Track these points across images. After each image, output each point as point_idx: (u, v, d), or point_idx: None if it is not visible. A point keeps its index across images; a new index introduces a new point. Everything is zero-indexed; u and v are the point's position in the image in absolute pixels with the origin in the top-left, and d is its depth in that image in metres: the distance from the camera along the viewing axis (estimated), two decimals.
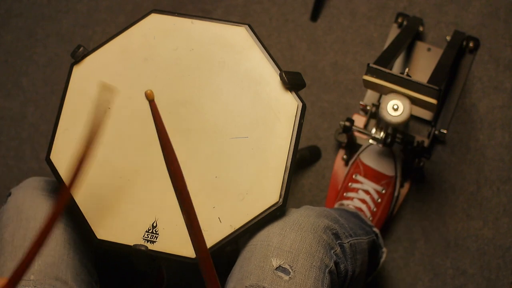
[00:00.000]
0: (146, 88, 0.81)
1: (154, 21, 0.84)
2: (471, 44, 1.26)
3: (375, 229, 1.06)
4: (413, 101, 0.96)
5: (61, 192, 0.66)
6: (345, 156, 1.25)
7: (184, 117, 0.79)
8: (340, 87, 1.30)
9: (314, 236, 0.74)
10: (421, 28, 1.27)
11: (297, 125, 0.77)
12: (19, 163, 1.37)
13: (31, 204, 0.80)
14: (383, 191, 1.16)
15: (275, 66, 0.79)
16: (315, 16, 1.33)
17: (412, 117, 1.25)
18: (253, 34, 0.81)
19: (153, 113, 0.61)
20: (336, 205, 1.17)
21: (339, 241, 0.79)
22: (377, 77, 0.96)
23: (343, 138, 1.24)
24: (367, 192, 1.15)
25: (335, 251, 0.77)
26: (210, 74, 0.80)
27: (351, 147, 1.25)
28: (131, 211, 0.77)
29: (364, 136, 1.22)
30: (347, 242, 0.82)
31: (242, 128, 0.78)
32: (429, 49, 1.27)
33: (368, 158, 1.18)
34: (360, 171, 1.17)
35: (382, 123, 1.17)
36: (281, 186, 0.75)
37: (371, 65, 0.96)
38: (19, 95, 1.40)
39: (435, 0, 1.30)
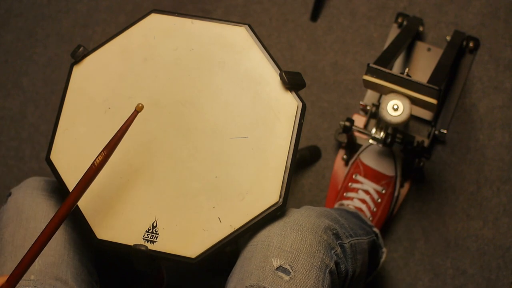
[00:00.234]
0: (146, 88, 0.81)
1: (154, 21, 0.84)
2: (471, 44, 1.26)
3: (375, 229, 1.06)
4: (413, 101, 0.96)
5: (66, 200, 0.67)
6: (345, 156, 1.25)
7: (184, 117, 0.79)
8: (340, 87, 1.30)
9: (314, 236, 0.74)
10: (421, 28, 1.27)
11: (297, 125, 0.77)
12: (19, 163, 1.37)
13: (31, 204, 0.80)
14: (383, 191, 1.16)
15: (275, 66, 0.79)
16: (315, 16, 1.33)
17: (412, 117, 1.25)
18: (253, 34, 0.81)
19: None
20: (336, 205, 1.17)
21: (340, 241, 0.79)
22: (377, 77, 0.96)
23: (343, 138, 1.24)
24: (367, 192, 1.15)
25: (336, 251, 0.77)
26: (210, 74, 0.80)
27: (351, 147, 1.25)
28: (131, 211, 0.77)
29: (364, 136, 1.22)
30: (348, 242, 0.82)
31: (242, 128, 0.78)
32: (429, 49, 1.27)
33: (368, 158, 1.18)
34: (360, 171, 1.17)
35: (382, 123, 1.17)
36: (281, 186, 0.75)
37: (371, 65, 0.96)
38: (19, 95, 1.40)
39: (435, 0, 1.30)
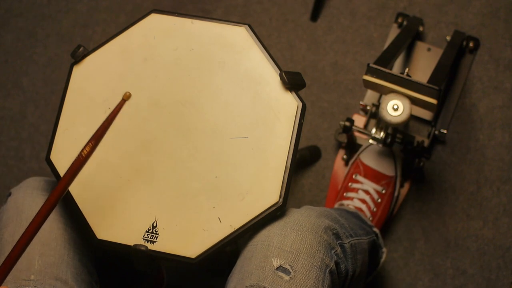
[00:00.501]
0: (146, 88, 0.81)
1: (154, 21, 0.84)
2: (471, 44, 1.26)
3: (375, 229, 1.06)
4: (413, 101, 0.96)
5: (56, 188, 0.67)
6: (345, 156, 1.25)
7: (184, 117, 0.79)
8: (340, 87, 1.30)
9: (314, 236, 0.74)
10: (421, 28, 1.27)
11: (297, 125, 0.77)
12: (19, 163, 1.37)
13: (31, 204, 0.80)
14: (383, 191, 1.16)
15: (275, 66, 0.79)
16: (315, 16, 1.33)
17: (412, 117, 1.25)
18: (253, 34, 0.81)
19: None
20: (336, 205, 1.17)
21: (340, 241, 0.79)
22: (377, 77, 0.96)
23: (343, 138, 1.24)
24: (367, 192, 1.15)
25: (336, 251, 0.77)
26: (210, 74, 0.80)
27: (351, 147, 1.25)
28: (131, 211, 0.77)
29: (364, 136, 1.22)
30: (348, 242, 0.82)
31: (242, 128, 0.78)
32: (429, 49, 1.27)
33: (368, 158, 1.18)
34: (360, 171, 1.17)
35: (382, 123, 1.17)
36: (281, 186, 0.75)
37: (371, 65, 0.96)
38: (19, 95, 1.40)
39: (435, 0, 1.30)
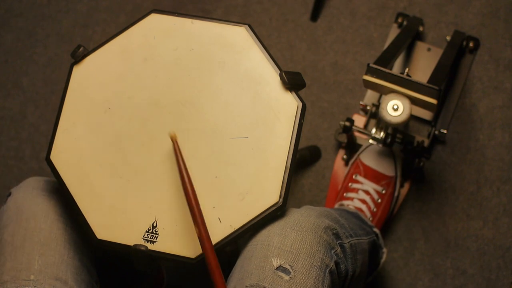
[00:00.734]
0: (146, 88, 0.81)
1: (154, 21, 0.84)
2: (471, 44, 1.26)
3: (376, 230, 1.06)
4: (413, 101, 0.96)
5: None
6: (345, 156, 1.25)
7: (184, 117, 0.79)
8: (340, 87, 1.30)
9: (314, 236, 0.74)
10: (421, 28, 1.27)
11: (297, 125, 0.77)
12: (19, 163, 1.37)
13: (31, 204, 0.80)
14: (383, 191, 1.16)
15: (275, 66, 0.79)
16: (315, 16, 1.33)
17: (412, 117, 1.25)
18: (253, 34, 0.81)
19: (177, 154, 0.74)
20: (336, 206, 1.17)
21: (340, 241, 0.79)
22: (377, 77, 0.96)
23: (343, 138, 1.24)
24: (367, 192, 1.15)
25: (336, 251, 0.77)
26: (210, 74, 0.80)
27: (351, 147, 1.25)
28: (131, 211, 0.77)
29: (364, 136, 1.22)
30: (348, 242, 0.82)
31: (242, 128, 0.78)
32: (429, 49, 1.27)
33: (368, 158, 1.18)
34: (360, 171, 1.17)
35: (382, 123, 1.17)
36: (281, 186, 0.75)
37: (371, 65, 0.96)
38: (19, 95, 1.40)
39: (435, 0, 1.30)
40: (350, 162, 1.20)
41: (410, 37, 1.17)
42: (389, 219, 1.21)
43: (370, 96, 1.27)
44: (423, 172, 1.23)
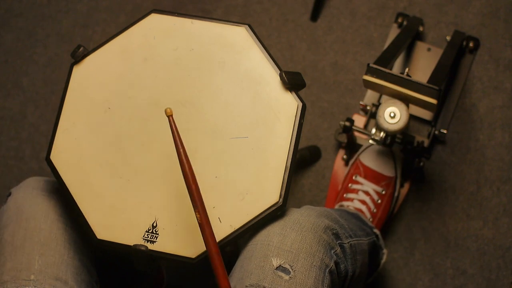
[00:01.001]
0: (146, 88, 0.81)
1: (154, 21, 0.84)
2: (471, 44, 1.26)
3: (376, 230, 1.06)
4: (413, 101, 0.96)
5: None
6: (345, 156, 1.25)
7: (184, 117, 0.79)
8: (340, 87, 1.30)
9: (314, 236, 0.74)
10: (421, 28, 1.27)
11: (297, 125, 0.77)
12: (19, 163, 1.37)
13: (31, 204, 0.80)
14: (383, 192, 1.16)
15: (275, 66, 0.79)
16: (315, 16, 1.33)
17: (412, 117, 1.25)
18: (253, 34, 0.81)
19: (173, 129, 0.71)
20: (336, 206, 1.17)
21: (339, 241, 0.79)
22: (377, 77, 0.96)
23: (343, 138, 1.24)
24: (367, 193, 1.15)
25: (335, 251, 0.77)
26: (210, 74, 0.80)
27: (351, 147, 1.25)
28: (131, 211, 0.77)
29: (364, 136, 1.22)
30: (347, 243, 0.82)
31: (242, 128, 0.78)
32: (429, 49, 1.27)
33: (368, 159, 1.18)
34: (360, 172, 1.17)
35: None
36: (281, 186, 0.75)
37: (371, 65, 0.96)
38: (19, 95, 1.40)
39: (435, 0, 1.30)
40: (350, 163, 1.20)
41: (410, 37, 1.17)
42: (389, 219, 1.21)
43: (370, 96, 1.27)
44: (423, 172, 1.23)
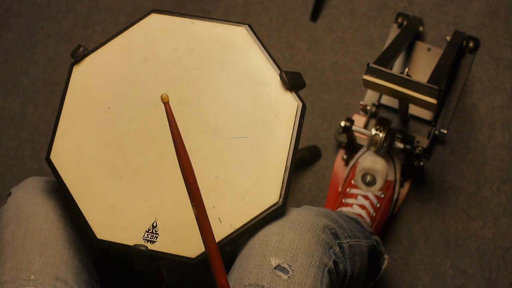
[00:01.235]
0: (146, 88, 0.81)
1: (154, 21, 0.84)
2: (471, 44, 1.26)
3: (375, 237, 1.06)
4: (413, 101, 0.96)
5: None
6: (345, 156, 1.25)
7: (184, 117, 0.79)
8: (340, 87, 1.30)
9: (313, 235, 0.74)
10: (421, 28, 1.27)
11: (297, 125, 0.77)
12: (19, 163, 1.37)
13: (31, 204, 0.80)
14: (382, 196, 1.15)
15: (275, 66, 0.79)
16: (315, 16, 1.33)
17: (412, 117, 1.25)
18: (253, 34, 0.81)
19: (168, 115, 0.67)
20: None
21: (338, 241, 0.79)
22: (377, 77, 0.96)
23: (343, 138, 1.24)
24: (366, 197, 1.15)
25: (334, 250, 0.77)
26: (210, 74, 0.80)
27: (351, 147, 1.25)
28: (131, 211, 0.77)
29: (364, 136, 1.22)
30: (346, 243, 0.82)
31: (242, 128, 0.78)
32: (429, 49, 1.27)
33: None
34: None
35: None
36: (281, 186, 0.75)
37: (371, 65, 0.96)
38: (19, 95, 1.40)
39: (435, 0, 1.30)
40: (349, 167, 1.20)
41: (410, 37, 1.17)
42: (389, 219, 1.21)
43: (370, 96, 1.27)
44: (423, 172, 1.23)
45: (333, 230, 0.78)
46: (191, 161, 0.77)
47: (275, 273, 0.71)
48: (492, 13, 1.28)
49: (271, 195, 0.75)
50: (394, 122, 1.24)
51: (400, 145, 1.17)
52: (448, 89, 1.25)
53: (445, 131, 1.20)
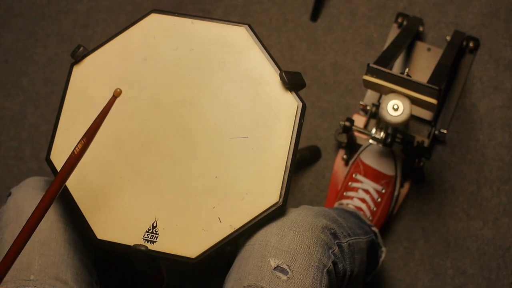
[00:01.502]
0: (146, 88, 0.81)
1: (154, 21, 0.84)
2: (471, 44, 1.26)
3: (374, 229, 1.06)
4: (413, 101, 0.96)
5: (51, 186, 0.67)
6: (345, 156, 1.25)
7: (184, 117, 0.79)
8: (340, 87, 1.30)
9: (312, 236, 0.74)
10: (421, 28, 1.27)
11: (297, 125, 0.77)
12: (19, 163, 1.37)
13: (31, 204, 0.80)
14: (383, 191, 1.16)
15: (275, 66, 0.79)
16: (315, 16, 1.33)
17: (412, 117, 1.25)
18: (253, 34, 0.81)
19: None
20: (336, 205, 1.17)
21: (337, 241, 0.79)
22: (377, 77, 0.96)
23: (343, 138, 1.24)
24: (367, 191, 1.15)
25: (333, 250, 0.77)
26: (210, 74, 0.80)
27: (351, 147, 1.25)
28: (131, 211, 0.77)
29: (364, 136, 1.22)
30: (346, 242, 0.82)
31: (242, 128, 0.78)
32: (429, 49, 1.27)
33: (368, 157, 1.18)
34: (360, 171, 1.17)
35: (382, 123, 1.17)
36: (281, 186, 0.75)
37: (371, 65, 0.96)
38: (19, 95, 1.40)
39: (435, 0, 1.30)
40: (351, 162, 1.20)
41: (410, 37, 1.17)
42: (389, 219, 1.21)
43: (370, 96, 1.27)
44: (423, 172, 1.23)
45: (332, 230, 0.78)
46: (191, 161, 0.78)
47: (274, 274, 0.71)
48: (492, 13, 1.28)
49: (271, 195, 0.75)
50: None
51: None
52: (448, 89, 1.25)
53: (445, 131, 1.20)
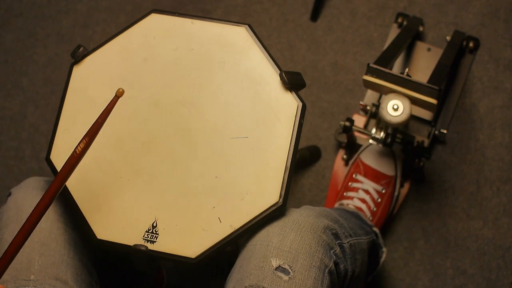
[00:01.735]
0: (146, 88, 0.81)
1: (154, 21, 0.84)
2: (471, 44, 1.26)
3: (375, 229, 1.06)
4: (413, 101, 0.96)
5: (51, 185, 0.67)
6: (345, 156, 1.25)
7: (184, 117, 0.79)
8: (340, 87, 1.30)
9: (313, 236, 0.74)
10: (421, 28, 1.27)
11: (297, 125, 0.77)
12: (19, 163, 1.37)
13: (31, 204, 0.80)
14: (383, 191, 1.16)
15: (275, 66, 0.79)
16: (315, 16, 1.33)
17: (412, 117, 1.25)
18: (253, 34, 0.81)
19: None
20: (336, 205, 1.17)
21: (339, 241, 0.79)
22: (377, 77, 0.96)
23: (343, 138, 1.24)
24: (367, 191, 1.15)
25: (335, 251, 0.77)
26: (210, 74, 0.80)
27: (351, 147, 1.25)
28: (131, 211, 0.77)
29: (364, 136, 1.22)
30: (347, 242, 0.82)
31: (242, 128, 0.78)
32: (429, 49, 1.27)
33: (369, 157, 1.18)
34: (360, 171, 1.17)
35: (382, 123, 1.17)
36: (281, 186, 0.75)
37: (371, 65, 0.96)
38: (19, 95, 1.40)
39: (435, 0, 1.30)
40: (351, 162, 1.20)
41: (410, 37, 1.17)
42: (389, 219, 1.21)
43: (370, 96, 1.27)
44: (423, 172, 1.23)
45: (333, 231, 0.78)
46: (191, 161, 0.78)
47: (276, 274, 0.71)
48: (492, 13, 1.28)
49: (271, 195, 0.75)
50: None
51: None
52: (448, 89, 1.25)
53: (445, 131, 1.20)
